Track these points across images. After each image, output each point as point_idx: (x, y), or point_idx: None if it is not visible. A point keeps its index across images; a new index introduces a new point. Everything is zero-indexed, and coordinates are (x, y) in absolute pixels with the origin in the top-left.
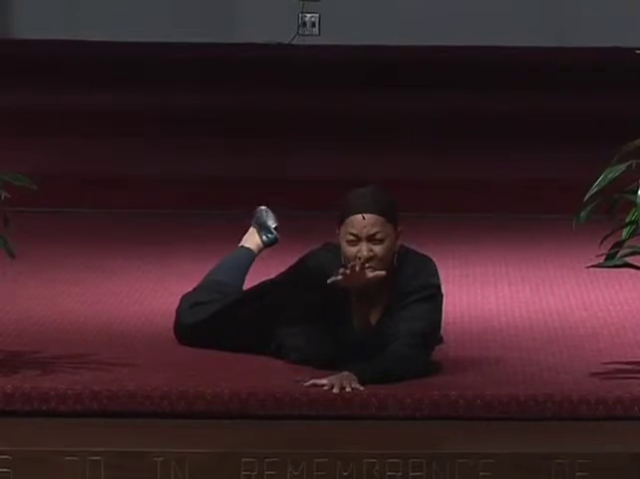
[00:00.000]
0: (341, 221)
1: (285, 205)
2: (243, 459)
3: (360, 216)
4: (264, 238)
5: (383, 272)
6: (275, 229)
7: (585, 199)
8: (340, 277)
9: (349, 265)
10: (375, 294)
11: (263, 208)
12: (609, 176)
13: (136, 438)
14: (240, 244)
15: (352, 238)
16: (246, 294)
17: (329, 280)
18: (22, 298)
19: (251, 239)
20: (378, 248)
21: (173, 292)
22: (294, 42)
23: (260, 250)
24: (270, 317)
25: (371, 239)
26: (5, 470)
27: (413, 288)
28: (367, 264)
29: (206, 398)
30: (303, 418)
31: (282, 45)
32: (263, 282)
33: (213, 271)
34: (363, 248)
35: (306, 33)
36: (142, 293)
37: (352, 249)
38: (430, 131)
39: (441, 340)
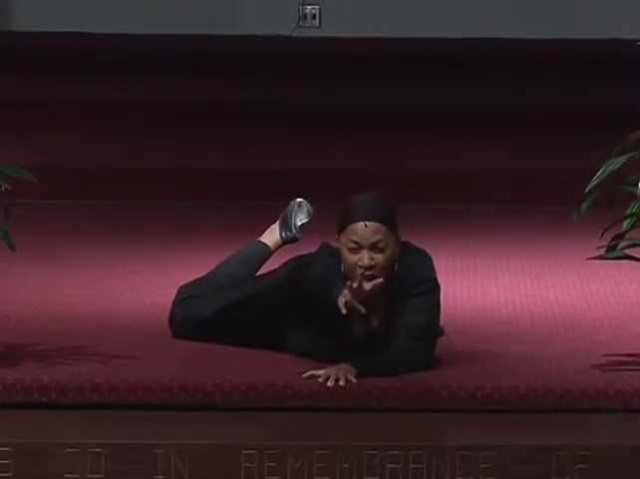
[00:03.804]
0: (342, 228)
1: (285, 196)
2: (244, 451)
3: (362, 223)
4: (283, 234)
5: (380, 280)
6: (302, 225)
7: (586, 191)
8: (344, 301)
9: (347, 284)
10: (374, 300)
11: (297, 201)
12: (609, 168)
13: (136, 430)
14: (259, 239)
15: (353, 245)
16: (245, 297)
17: (343, 311)
18: (22, 291)
19: (271, 235)
20: (379, 257)
21: (174, 285)
22: (295, 34)
23: (278, 247)
24: (269, 320)
25: (373, 247)
26: (6, 462)
27: (410, 284)
28: (367, 273)
29: (207, 390)
30: (303, 410)
31: (283, 37)
32: (262, 281)
33: (223, 264)
34: (364, 257)
35: (307, 25)
36: (142, 286)
37: (353, 257)
38: (430, 123)
39: (442, 332)
